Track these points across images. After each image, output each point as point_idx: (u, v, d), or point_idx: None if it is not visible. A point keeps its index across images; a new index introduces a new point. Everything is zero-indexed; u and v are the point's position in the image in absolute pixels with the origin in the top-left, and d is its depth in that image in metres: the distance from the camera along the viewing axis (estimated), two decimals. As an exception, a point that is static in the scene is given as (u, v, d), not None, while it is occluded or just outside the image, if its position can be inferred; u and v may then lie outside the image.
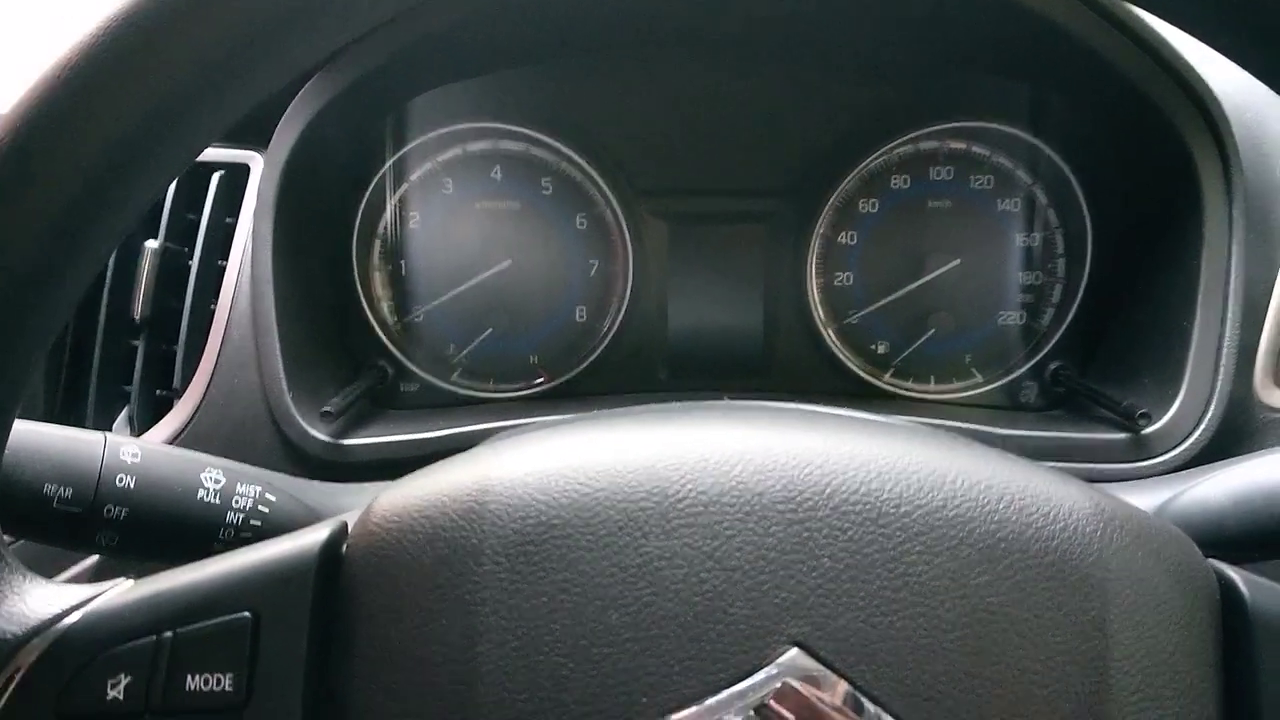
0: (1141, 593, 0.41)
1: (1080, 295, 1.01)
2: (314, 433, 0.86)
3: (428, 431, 0.90)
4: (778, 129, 1.03)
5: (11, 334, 0.41)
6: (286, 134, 0.89)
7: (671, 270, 1.05)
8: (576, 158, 1.03)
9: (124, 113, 0.39)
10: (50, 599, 0.44)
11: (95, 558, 0.85)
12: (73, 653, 0.42)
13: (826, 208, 1.02)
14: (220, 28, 0.39)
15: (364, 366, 1.02)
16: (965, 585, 0.39)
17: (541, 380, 1.05)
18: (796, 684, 0.38)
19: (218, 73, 0.39)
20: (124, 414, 0.93)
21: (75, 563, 0.86)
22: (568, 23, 0.97)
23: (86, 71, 0.39)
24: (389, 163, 1.02)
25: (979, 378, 1.04)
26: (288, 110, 0.89)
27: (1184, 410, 0.85)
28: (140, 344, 0.91)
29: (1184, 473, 0.74)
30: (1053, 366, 1.01)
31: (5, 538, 0.46)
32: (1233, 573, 0.44)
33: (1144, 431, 0.86)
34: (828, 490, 0.41)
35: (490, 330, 1.04)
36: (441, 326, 1.04)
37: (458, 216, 1.03)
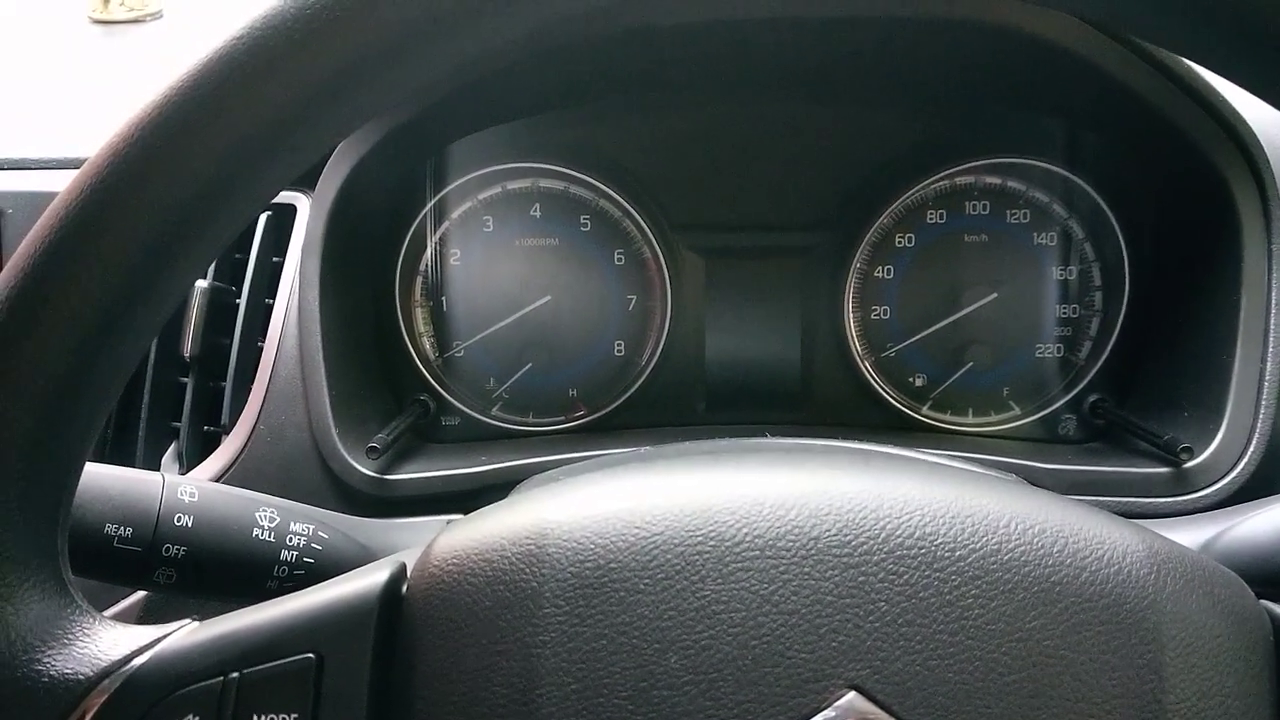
0: (1196, 635, 0.41)
1: (1118, 328, 1.01)
2: (360, 467, 0.87)
3: (471, 466, 0.91)
4: (814, 164, 1.04)
5: (84, 386, 0.42)
6: (332, 176, 0.91)
7: (709, 304, 1.05)
8: (614, 194, 1.04)
9: (195, 169, 0.41)
10: (119, 640, 0.45)
11: (142, 593, 0.86)
12: (142, 694, 0.43)
13: (863, 242, 1.03)
14: (282, 96, 0.40)
15: (406, 401, 1.03)
16: (1021, 629, 0.40)
17: (581, 414, 1.06)
18: (855, 727, 0.38)
19: (290, 130, 0.41)
20: (172, 450, 0.94)
21: (122, 597, 0.87)
22: (603, 66, 0.98)
23: (162, 127, 0.40)
24: (431, 202, 1.03)
25: (1017, 410, 1.04)
26: (333, 153, 0.91)
27: (1226, 444, 0.85)
28: (189, 381, 0.93)
29: (1228, 509, 0.74)
30: (1091, 399, 1.01)
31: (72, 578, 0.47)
32: None
33: (1186, 466, 0.85)
34: (883, 534, 0.41)
35: (530, 365, 1.05)
36: (482, 361, 1.05)
37: (498, 253, 1.04)
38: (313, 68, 0.40)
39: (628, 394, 1.05)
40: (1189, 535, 0.68)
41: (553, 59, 0.92)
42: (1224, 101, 0.87)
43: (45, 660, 0.43)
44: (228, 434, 0.90)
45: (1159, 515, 0.82)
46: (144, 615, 0.85)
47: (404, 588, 0.45)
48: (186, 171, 0.40)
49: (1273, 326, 0.85)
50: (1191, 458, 0.86)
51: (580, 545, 0.42)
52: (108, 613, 0.83)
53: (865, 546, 0.41)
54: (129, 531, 0.59)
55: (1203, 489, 0.85)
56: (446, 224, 1.04)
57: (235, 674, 0.43)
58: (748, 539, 0.42)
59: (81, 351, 0.41)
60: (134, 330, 0.43)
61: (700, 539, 0.42)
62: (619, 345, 1.06)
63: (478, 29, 0.41)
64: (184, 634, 0.45)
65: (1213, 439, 0.85)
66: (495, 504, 0.49)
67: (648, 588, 0.41)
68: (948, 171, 1.02)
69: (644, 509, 0.43)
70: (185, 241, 0.42)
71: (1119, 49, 0.86)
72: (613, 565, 0.42)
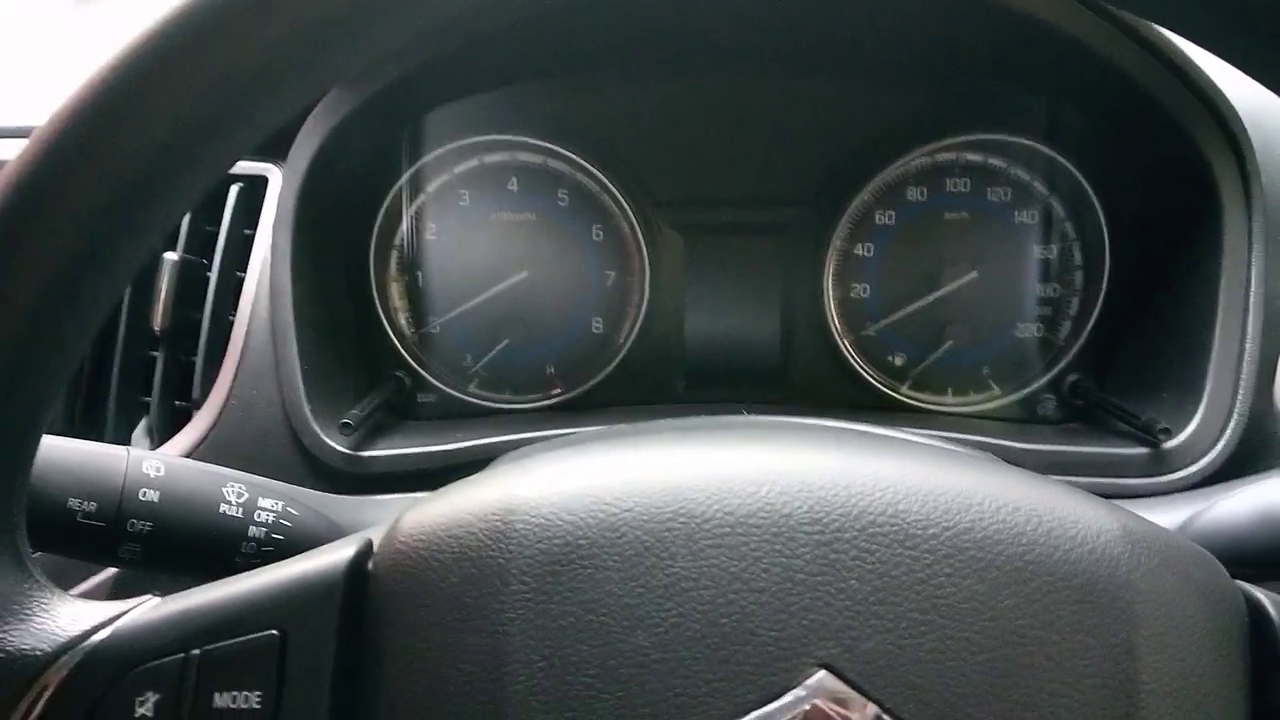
0: (1170, 615, 0.40)
1: (1098, 308, 1.01)
2: (332, 444, 0.86)
3: (446, 443, 0.90)
4: (794, 140, 1.03)
5: (40, 353, 0.41)
6: (305, 147, 0.89)
7: (688, 281, 1.05)
8: (592, 169, 1.03)
9: (151, 132, 0.39)
10: (78, 616, 0.44)
11: (114, 570, 0.85)
12: (102, 670, 0.42)
13: (843, 219, 1.02)
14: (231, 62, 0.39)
15: (382, 377, 1.02)
16: (993, 607, 0.39)
17: (558, 391, 1.05)
18: (825, 706, 0.38)
19: (247, 96, 0.40)
20: (143, 424, 0.93)
21: (92, 575, 0.86)
22: (583, 36, 0.97)
23: (120, 90, 0.39)
24: (406, 175, 1.02)
25: (997, 390, 1.03)
26: (305, 123, 0.90)
27: (1204, 424, 0.84)
28: (159, 355, 0.91)
29: (1205, 489, 0.74)
30: (1071, 379, 1.01)
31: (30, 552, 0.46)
32: (1260, 594, 0.44)
33: (1164, 446, 0.85)
34: (855, 512, 0.41)
35: (507, 341, 1.04)
36: (458, 337, 1.04)
37: (474, 228, 1.03)
38: (271, 27, 0.39)
39: (606, 371, 1.05)
40: (1166, 516, 0.68)
41: (532, 27, 0.91)
42: (1207, 80, 0.86)
43: (1, 635, 0.42)
44: (199, 409, 0.89)
45: (1136, 495, 0.82)
46: (114, 594, 0.84)
47: (370, 564, 0.44)
48: (142, 134, 0.39)
49: (1252, 306, 0.85)
50: (1170, 438, 0.85)
51: (548, 522, 0.42)
52: (74, 590, 0.83)
53: (837, 524, 0.41)
54: (93, 506, 0.58)
55: (1180, 469, 0.85)
56: (422, 197, 1.03)
57: (196, 650, 0.42)
58: (718, 516, 0.41)
59: (35, 318, 0.40)
60: (91, 298, 0.42)
61: (670, 516, 0.41)
62: (597, 322, 1.05)
63: None
64: (145, 610, 0.44)
65: (1191, 419, 0.85)
66: (462, 480, 0.48)
67: (616, 565, 0.40)
68: (929, 148, 1.01)
69: (613, 485, 0.43)
70: (141, 207, 0.41)
71: (1104, 25, 0.85)
72: (581, 542, 0.41)
